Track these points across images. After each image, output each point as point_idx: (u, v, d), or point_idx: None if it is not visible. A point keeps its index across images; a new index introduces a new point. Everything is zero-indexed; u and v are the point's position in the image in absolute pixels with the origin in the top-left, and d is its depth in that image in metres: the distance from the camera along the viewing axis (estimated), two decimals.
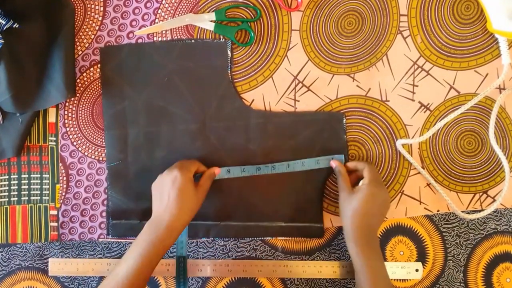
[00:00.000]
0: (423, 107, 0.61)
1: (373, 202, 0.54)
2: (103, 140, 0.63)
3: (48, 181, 0.63)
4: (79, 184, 0.63)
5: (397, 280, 0.62)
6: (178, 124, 0.62)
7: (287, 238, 0.63)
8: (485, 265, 0.62)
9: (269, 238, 0.63)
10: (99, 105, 0.63)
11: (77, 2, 0.62)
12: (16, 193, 0.64)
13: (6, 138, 0.62)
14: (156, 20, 0.62)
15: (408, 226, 0.62)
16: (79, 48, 0.63)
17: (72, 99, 0.63)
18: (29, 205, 0.64)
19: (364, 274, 0.52)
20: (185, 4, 0.62)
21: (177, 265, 0.61)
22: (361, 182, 0.57)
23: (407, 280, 0.62)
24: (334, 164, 0.59)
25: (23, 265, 0.64)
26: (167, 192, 0.53)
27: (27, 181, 0.64)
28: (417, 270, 0.62)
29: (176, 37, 0.62)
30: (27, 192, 0.64)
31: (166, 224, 0.52)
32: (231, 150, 0.61)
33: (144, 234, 0.53)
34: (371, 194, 0.54)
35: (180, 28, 0.62)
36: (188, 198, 0.54)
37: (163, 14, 0.62)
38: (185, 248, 0.60)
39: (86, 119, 0.63)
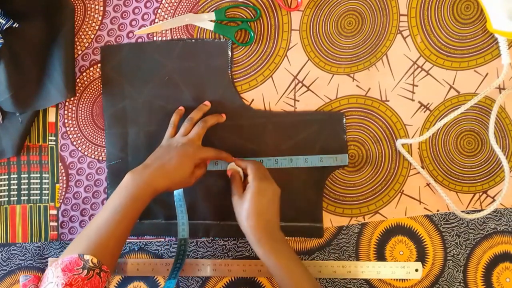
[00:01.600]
0: (423, 107, 0.61)
1: (262, 197, 0.53)
2: (103, 140, 0.63)
3: (47, 181, 0.63)
4: (78, 183, 0.63)
5: (397, 280, 0.62)
6: (178, 123, 0.62)
7: (287, 238, 0.62)
8: (485, 265, 0.62)
9: None
10: (99, 105, 0.63)
11: (77, 1, 0.62)
12: (15, 192, 0.64)
13: (6, 137, 0.62)
14: (156, 20, 0.62)
15: (408, 226, 0.62)
16: (79, 47, 0.63)
17: (72, 98, 0.63)
18: (29, 204, 0.64)
19: (281, 273, 0.51)
20: (185, 4, 0.62)
21: (177, 248, 0.60)
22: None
23: (407, 280, 0.62)
24: (229, 172, 0.59)
25: (22, 264, 0.64)
26: (171, 155, 0.54)
27: (26, 181, 0.64)
28: (416, 270, 0.62)
29: (176, 37, 0.62)
30: (26, 192, 0.64)
31: (144, 179, 0.52)
32: (231, 149, 0.61)
33: (124, 185, 0.52)
34: (258, 190, 0.53)
35: (180, 27, 0.62)
36: (178, 175, 0.54)
37: (163, 13, 0.62)
38: (187, 230, 0.60)
39: (86, 118, 0.63)
